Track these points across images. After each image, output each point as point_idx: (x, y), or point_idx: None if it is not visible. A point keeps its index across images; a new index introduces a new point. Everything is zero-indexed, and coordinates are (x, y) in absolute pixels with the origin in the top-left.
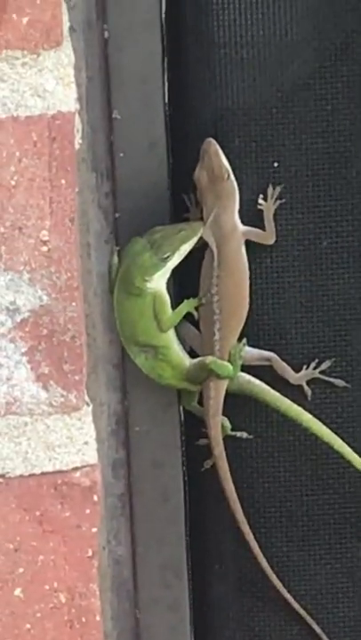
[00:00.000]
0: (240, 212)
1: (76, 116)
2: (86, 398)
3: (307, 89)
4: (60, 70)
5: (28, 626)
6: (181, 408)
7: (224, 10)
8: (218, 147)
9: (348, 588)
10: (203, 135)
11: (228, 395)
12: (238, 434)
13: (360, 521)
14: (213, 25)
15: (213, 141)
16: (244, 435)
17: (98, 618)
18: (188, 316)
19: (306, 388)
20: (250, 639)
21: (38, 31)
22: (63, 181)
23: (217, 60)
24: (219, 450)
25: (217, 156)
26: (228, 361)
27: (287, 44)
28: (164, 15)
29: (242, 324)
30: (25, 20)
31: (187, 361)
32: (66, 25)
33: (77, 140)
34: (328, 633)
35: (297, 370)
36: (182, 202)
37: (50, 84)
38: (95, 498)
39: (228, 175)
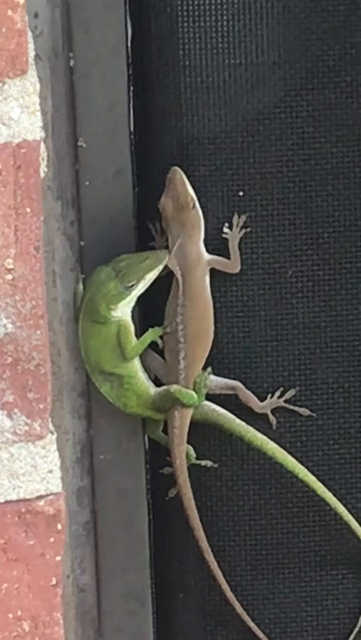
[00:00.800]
0: (205, 240)
1: (42, 144)
2: (51, 427)
3: (273, 118)
4: (26, 98)
5: None
6: (146, 437)
7: (190, 39)
8: (183, 175)
9: (313, 616)
10: (168, 163)
11: (192, 423)
12: (203, 462)
13: (325, 550)
14: (179, 54)
15: (179, 170)
16: (209, 463)
17: None
18: (152, 345)
19: (271, 416)
20: None
21: (3, 59)
22: (28, 210)
23: (183, 88)
24: (183, 478)
25: (182, 184)
26: (193, 389)
27: (253, 73)
28: (129, 44)
29: (207, 353)
30: None
31: (152, 390)
32: (31, 53)
33: (43, 169)
34: None
35: (262, 399)
36: (148, 230)
37: (15, 112)
38: (59, 526)
39: (194, 204)
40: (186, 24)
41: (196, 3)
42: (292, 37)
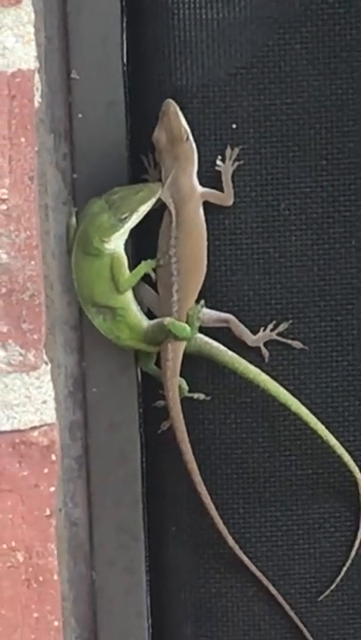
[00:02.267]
0: (198, 173)
1: (36, 74)
2: (45, 357)
3: (267, 50)
4: (20, 28)
5: None
6: (139, 370)
7: None
8: (177, 107)
9: (304, 549)
10: (162, 96)
11: (185, 356)
12: (196, 395)
13: (317, 482)
14: None
15: (173, 102)
16: (202, 396)
17: (55, 577)
18: (145, 278)
19: (263, 349)
20: (206, 601)
21: None
22: (23, 139)
23: (176, 19)
24: (176, 411)
25: (176, 116)
26: (186, 322)
27: (248, 6)
28: None
29: (200, 286)
30: None
31: (144, 322)
32: None
33: (37, 99)
34: (283, 594)
35: (254, 332)
36: (141, 163)
37: (9, 41)
38: (53, 457)
39: (187, 136)
40: None
41: None
42: None
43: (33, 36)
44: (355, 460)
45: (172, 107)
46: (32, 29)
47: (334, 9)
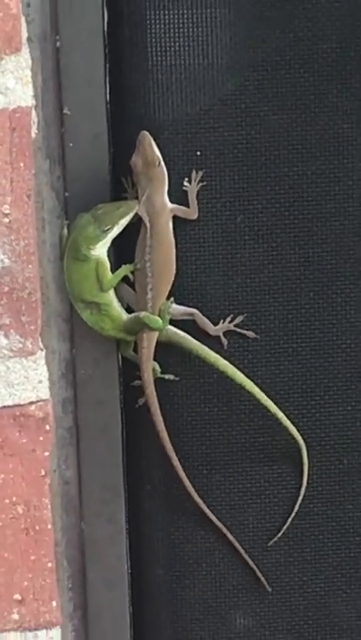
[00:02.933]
0: (169, 192)
1: (33, 110)
2: (40, 344)
3: (226, 93)
4: (20, 72)
5: None
6: (120, 355)
7: (157, 26)
8: (151, 138)
9: (257, 503)
10: (138, 129)
11: (158, 344)
12: (166, 376)
13: (267, 447)
14: (147, 38)
15: (147, 134)
16: (171, 377)
17: (49, 526)
18: (125, 279)
19: (223, 338)
20: (175, 546)
21: (1, 39)
22: (22, 164)
23: (150, 67)
24: (150, 390)
25: (150, 146)
26: (159, 316)
27: (208, 60)
28: (106, 29)
29: (169, 286)
30: None
31: (124, 315)
32: (24, 35)
33: (34, 131)
34: (239, 540)
35: (215, 323)
36: (121, 184)
37: (11, 82)
38: (47, 427)
39: (159, 162)
40: (154, 13)
41: None
42: (241, 34)
43: (30, 79)
44: (298, 430)
45: (147, 137)
46: (30, 73)
47: (284, 59)
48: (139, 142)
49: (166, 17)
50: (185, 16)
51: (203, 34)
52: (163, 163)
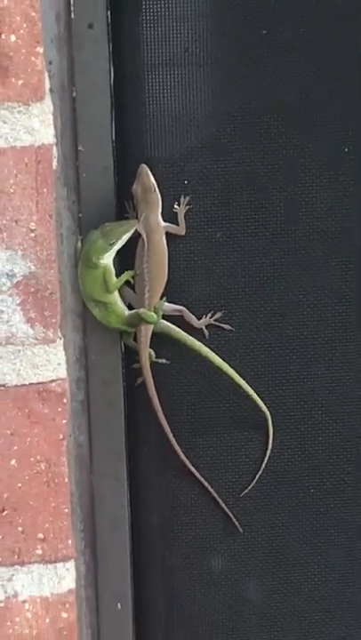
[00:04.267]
0: (162, 213)
1: (54, 147)
2: (59, 334)
3: (211, 135)
4: (43, 116)
5: (20, 485)
6: (122, 343)
7: (153, 80)
8: (148, 170)
9: (233, 461)
10: (138, 162)
11: (153, 334)
12: (160, 360)
13: (240, 417)
14: (145, 89)
15: (145, 166)
16: (164, 361)
17: (66, 480)
18: (127, 282)
19: (205, 330)
20: (167, 497)
21: (29, 90)
22: (45, 190)
23: (148, 113)
24: (147, 371)
25: (147, 176)
26: (154, 312)
27: (199, 104)
28: (112, 83)
29: (163, 288)
30: (20, 82)
31: (126, 312)
32: (47, 86)
33: (54, 164)
34: (218, 492)
35: (199, 318)
36: (124, 207)
37: (36, 125)
38: (65, 400)
39: (155, 189)
40: (151, 71)
41: (159, 52)
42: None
43: (52, 122)
44: (264, 402)
45: (145, 169)
46: (51, 117)
47: (256, 106)
48: (138, 173)
49: (161, 75)
50: (176, 74)
51: (190, 88)
52: (157, 190)
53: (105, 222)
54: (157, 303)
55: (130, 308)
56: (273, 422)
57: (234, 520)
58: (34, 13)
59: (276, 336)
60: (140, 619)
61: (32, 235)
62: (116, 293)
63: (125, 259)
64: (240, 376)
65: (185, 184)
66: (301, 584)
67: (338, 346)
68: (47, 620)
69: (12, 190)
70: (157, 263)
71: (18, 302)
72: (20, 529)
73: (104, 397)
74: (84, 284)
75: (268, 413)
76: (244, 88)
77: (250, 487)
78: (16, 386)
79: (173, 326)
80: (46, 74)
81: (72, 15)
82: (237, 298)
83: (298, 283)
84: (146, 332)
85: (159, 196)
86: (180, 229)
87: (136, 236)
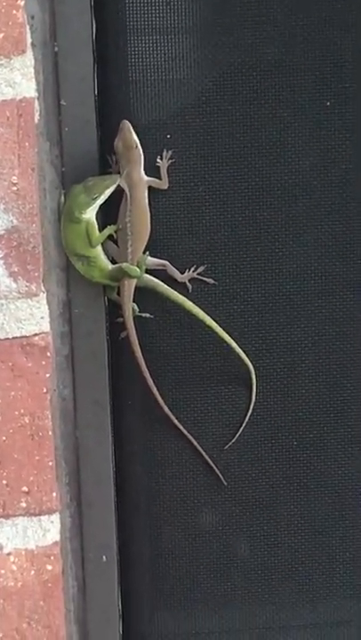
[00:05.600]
0: (145, 168)
1: (36, 101)
2: (42, 288)
3: (188, 89)
4: (25, 70)
5: (4, 438)
6: (106, 297)
7: (135, 32)
8: (130, 125)
9: (216, 415)
10: (120, 117)
11: (136, 288)
12: (143, 314)
13: (223, 371)
14: (127, 42)
15: (127, 122)
16: (147, 315)
17: (50, 433)
18: (110, 237)
19: (188, 284)
20: (151, 450)
21: (10, 42)
22: (27, 144)
23: (129, 66)
24: (130, 325)
25: (129, 131)
26: (137, 266)
27: (181, 59)
28: (94, 37)
29: (145, 242)
30: (1, 35)
31: (109, 266)
32: (29, 40)
33: (36, 117)
34: (202, 445)
35: (182, 272)
36: (107, 161)
37: (18, 78)
38: (48, 354)
39: (136, 145)
40: (133, 23)
41: (141, 5)
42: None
43: (33, 75)
44: (247, 356)
45: (127, 125)
46: (33, 70)
47: (236, 61)
48: (120, 129)
49: (143, 29)
50: (158, 28)
51: (173, 42)
52: (139, 145)
53: (88, 177)
54: (140, 257)
55: (113, 262)
56: (256, 375)
57: (218, 472)
58: None
59: (260, 289)
60: (125, 571)
61: (14, 188)
62: (99, 248)
63: (108, 213)
64: (223, 330)
65: (167, 138)
66: (285, 536)
67: (321, 299)
68: (32, 573)
69: None
70: (140, 217)
71: (0, 256)
72: (4, 482)
73: (88, 351)
74: (66, 238)
75: (251, 367)
76: (227, 42)
77: (233, 440)
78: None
79: (157, 280)
80: (28, 27)
81: None
82: (220, 252)
83: (281, 236)
84: (129, 287)
85: (141, 151)
86: (163, 183)
87: (119, 191)
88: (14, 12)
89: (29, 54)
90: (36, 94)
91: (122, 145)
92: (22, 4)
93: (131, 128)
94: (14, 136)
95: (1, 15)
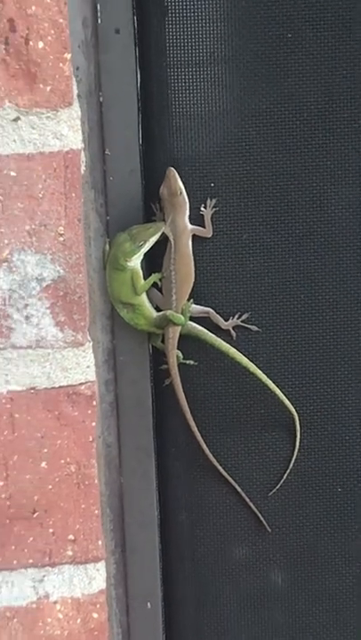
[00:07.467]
0: (189, 216)
1: (82, 152)
2: (88, 337)
3: (232, 138)
4: (71, 122)
5: (50, 486)
6: (150, 345)
7: (178, 83)
8: (176, 173)
9: (260, 461)
10: (164, 166)
11: (181, 336)
12: (188, 362)
13: (267, 417)
14: (170, 93)
15: (173, 169)
16: (191, 362)
17: (96, 481)
18: (154, 285)
19: (232, 331)
20: (195, 496)
21: (57, 96)
22: (73, 194)
23: (173, 117)
24: (174, 372)
25: (175, 178)
26: (181, 314)
27: (223, 108)
28: (138, 87)
29: (190, 290)
30: (48, 88)
31: (154, 313)
32: (75, 92)
33: (82, 168)
34: (246, 491)
35: (226, 319)
36: (151, 209)
37: (65, 130)
38: (94, 403)
39: (181, 192)
40: (176, 74)
41: (184, 55)
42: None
43: (80, 127)
44: (292, 403)
45: (172, 172)
46: (79, 122)
47: (279, 109)
48: (165, 176)
49: (186, 78)
50: (201, 77)
51: (215, 90)
52: (185, 192)
53: (132, 225)
54: (185, 305)
55: (157, 309)
56: (300, 422)
57: (262, 519)
58: (62, 20)
59: (303, 337)
60: (169, 617)
61: (61, 239)
62: (144, 295)
63: (153, 261)
64: (267, 377)
65: (211, 186)
66: (329, 582)
67: None
68: (78, 621)
69: (40, 195)
70: (184, 265)
71: (47, 306)
72: (50, 530)
73: (132, 398)
74: (112, 286)
75: (295, 413)
76: (269, 90)
77: (278, 486)
78: (46, 389)
79: (201, 327)
80: (74, 79)
81: (99, 21)
82: (264, 299)
83: (324, 283)
84: (173, 334)
85: (186, 198)
86: (207, 232)
87: (163, 239)
88: (61, 64)
89: (76, 106)
90: (82, 145)
91: (167, 192)
92: (69, 57)
93: (176, 175)
94: (61, 187)
95: (48, 68)
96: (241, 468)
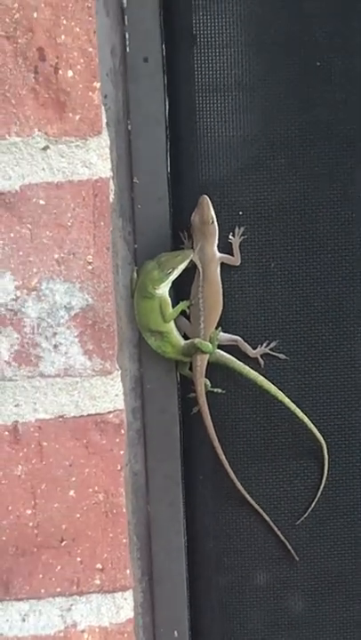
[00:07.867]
0: (218, 244)
1: (111, 180)
2: (117, 365)
3: (259, 166)
4: (100, 150)
5: (78, 515)
6: (178, 373)
7: (206, 110)
8: (208, 200)
9: (288, 489)
10: (192, 194)
11: (209, 364)
12: (215, 390)
13: (295, 445)
14: (199, 120)
15: (206, 197)
16: (219, 390)
17: (124, 510)
18: (183, 313)
19: (260, 359)
20: (222, 524)
21: (86, 124)
22: (102, 223)
23: (202, 144)
24: (202, 400)
25: (208, 206)
26: (209, 342)
27: (251, 136)
28: (167, 115)
29: (218, 318)
30: (77, 117)
31: (182, 341)
32: (103, 121)
33: (111, 196)
34: (274, 520)
35: (254, 347)
36: (179, 237)
37: (94, 159)
38: (122, 431)
39: (213, 220)
40: (203, 101)
41: (213, 83)
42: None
43: (109, 155)
44: (319, 431)
45: (206, 200)
46: (108, 150)
47: (308, 136)
48: (199, 204)
49: (215, 106)
50: (230, 105)
51: (244, 118)
52: (216, 221)
53: (160, 252)
54: (213, 333)
55: (185, 337)
56: (328, 450)
57: (289, 547)
58: (91, 49)
59: (331, 365)
60: None
61: (89, 267)
62: (172, 323)
63: (181, 289)
64: (295, 405)
65: (239, 215)
66: (357, 611)
67: None
68: None
69: (69, 224)
70: (213, 293)
71: (76, 334)
72: (78, 559)
73: (160, 426)
74: (139, 314)
75: (323, 442)
76: (297, 116)
77: (305, 515)
78: (74, 417)
79: (229, 356)
80: (102, 108)
81: (127, 49)
82: (292, 327)
83: (353, 311)
84: (201, 362)
85: (217, 227)
86: (236, 260)
87: (191, 267)
88: (90, 93)
89: (105, 134)
90: (111, 174)
91: (199, 219)
92: (98, 85)
93: (210, 203)
94: (90, 216)
95: (77, 97)
96: (269, 496)
